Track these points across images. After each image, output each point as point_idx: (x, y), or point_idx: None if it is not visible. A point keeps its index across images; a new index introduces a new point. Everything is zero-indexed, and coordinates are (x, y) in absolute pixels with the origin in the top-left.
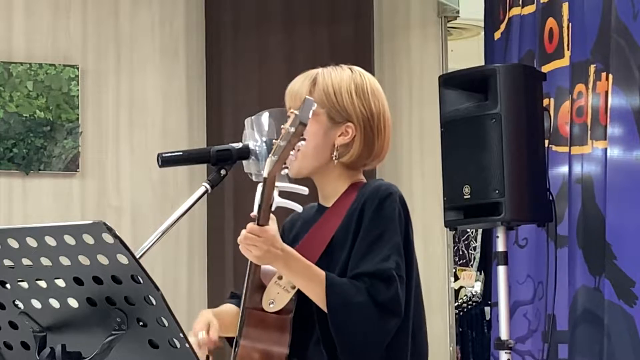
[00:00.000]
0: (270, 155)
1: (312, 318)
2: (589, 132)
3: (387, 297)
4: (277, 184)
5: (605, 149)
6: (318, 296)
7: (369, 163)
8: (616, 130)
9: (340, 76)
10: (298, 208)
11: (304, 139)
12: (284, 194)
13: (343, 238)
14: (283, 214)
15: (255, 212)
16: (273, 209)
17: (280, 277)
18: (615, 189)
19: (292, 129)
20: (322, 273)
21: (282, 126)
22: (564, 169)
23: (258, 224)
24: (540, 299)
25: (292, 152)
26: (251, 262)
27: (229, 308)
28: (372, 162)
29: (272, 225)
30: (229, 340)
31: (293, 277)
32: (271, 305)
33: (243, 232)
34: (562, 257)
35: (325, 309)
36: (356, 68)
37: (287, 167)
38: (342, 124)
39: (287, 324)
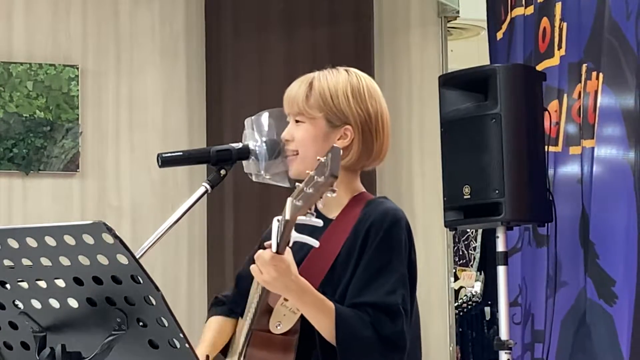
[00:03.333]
0: (293, 198)
1: (312, 340)
2: (580, 131)
3: (392, 332)
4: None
5: (593, 148)
6: (326, 328)
7: (368, 164)
8: (604, 130)
9: (336, 79)
10: (315, 244)
11: (334, 190)
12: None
13: (346, 260)
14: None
15: (274, 249)
16: (290, 244)
17: (287, 299)
18: (600, 189)
19: (322, 180)
20: (332, 306)
21: (307, 171)
22: (556, 169)
23: (277, 252)
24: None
25: (320, 200)
26: (263, 288)
27: (217, 327)
28: (372, 163)
29: (288, 257)
30: (223, 351)
31: (304, 309)
32: (278, 327)
33: (260, 252)
34: (549, 256)
35: (331, 341)
36: (352, 70)
37: (312, 214)
38: (341, 127)
39: (293, 344)
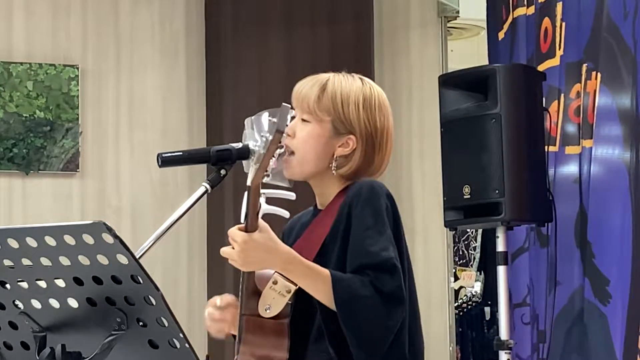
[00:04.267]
0: (252, 163)
1: (310, 319)
2: (580, 131)
3: (392, 287)
4: (264, 190)
5: (591, 148)
6: (325, 295)
7: (366, 177)
8: (601, 130)
9: (349, 86)
10: (285, 214)
11: (282, 146)
12: (271, 201)
13: (334, 237)
14: (278, 220)
15: (242, 221)
16: (260, 215)
17: (275, 282)
18: (598, 189)
19: (270, 137)
20: (326, 271)
21: (261, 133)
22: (552, 169)
23: (246, 231)
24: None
25: (272, 160)
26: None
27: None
28: (371, 176)
29: (263, 234)
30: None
31: (297, 281)
32: (267, 311)
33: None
34: (548, 256)
35: (332, 307)
36: (367, 80)
37: (268, 175)
38: (345, 135)
39: (285, 328)
